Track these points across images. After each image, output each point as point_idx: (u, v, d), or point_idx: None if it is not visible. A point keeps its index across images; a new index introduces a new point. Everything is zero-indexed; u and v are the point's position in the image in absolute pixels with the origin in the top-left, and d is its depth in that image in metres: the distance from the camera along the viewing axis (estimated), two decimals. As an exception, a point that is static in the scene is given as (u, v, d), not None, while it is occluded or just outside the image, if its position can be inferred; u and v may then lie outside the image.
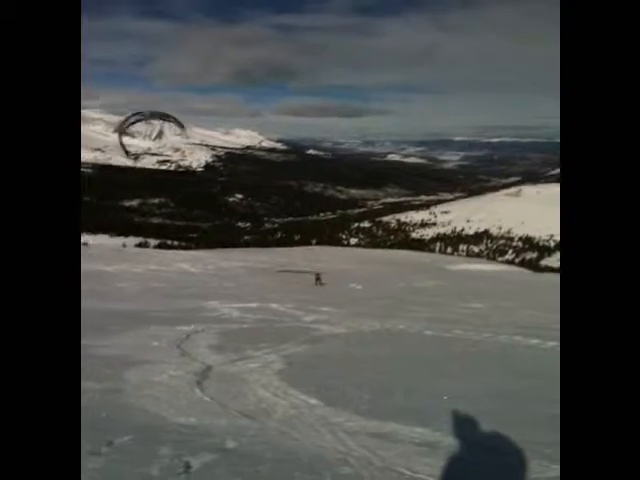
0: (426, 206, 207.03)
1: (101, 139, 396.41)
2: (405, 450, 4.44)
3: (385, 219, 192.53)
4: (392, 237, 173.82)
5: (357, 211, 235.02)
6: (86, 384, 6.19)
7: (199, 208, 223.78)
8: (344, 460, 4.11)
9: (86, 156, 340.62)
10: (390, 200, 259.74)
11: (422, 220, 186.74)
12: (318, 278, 28.26)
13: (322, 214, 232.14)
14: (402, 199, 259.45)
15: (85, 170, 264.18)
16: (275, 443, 4.41)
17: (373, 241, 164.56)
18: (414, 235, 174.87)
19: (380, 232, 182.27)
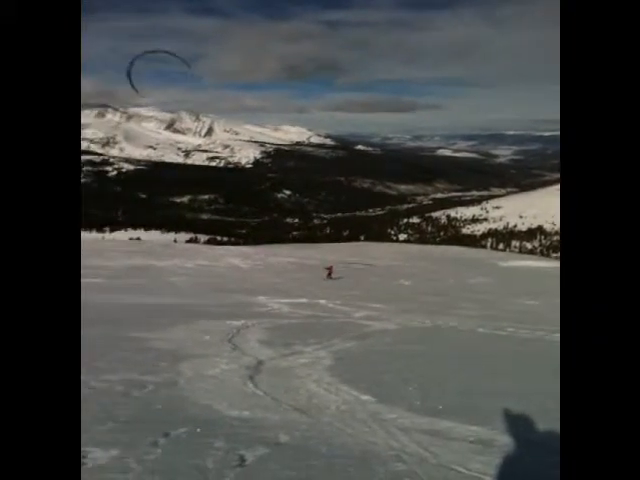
0: (477, 201, 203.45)
1: (153, 136, 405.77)
2: (459, 448, 4.37)
3: (435, 215, 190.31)
4: (442, 233, 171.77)
5: (406, 207, 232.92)
6: (143, 377, 6.36)
7: (248, 204, 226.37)
8: (397, 456, 4.08)
9: (139, 153, 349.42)
10: (440, 195, 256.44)
11: (473, 216, 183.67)
12: (330, 272, 28.02)
13: (371, 210, 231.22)
14: (452, 194, 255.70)
15: (138, 167, 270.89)
16: (328, 438, 4.42)
17: (422, 237, 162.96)
18: (465, 231, 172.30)
19: (430, 228, 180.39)
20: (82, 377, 6.10)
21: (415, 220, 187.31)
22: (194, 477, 3.48)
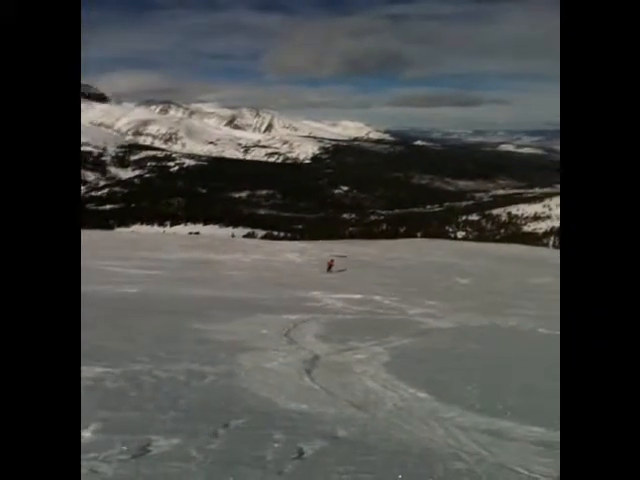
0: (540, 199, 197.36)
1: (214, 132, 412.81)
2: (520, 448, 4.29)
3: (495, 212, 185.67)
4: (502, 231, 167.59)
5: (465, 203, 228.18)
6: (203, 367, 6.52)
7: (305, 200, 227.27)
8: (456, 455, 4.04)
9: (200, 149, 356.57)
10: (501, 192, 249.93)
11: (535, 213, 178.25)
12: (330, 266, 27.64)
13: (429, 206, 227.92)
14: (514, 191, 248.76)
15: (199, 163, 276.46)
16: (385, 434, 4.41)
17: (481, 234, 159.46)
18: (526, 229, 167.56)
19: (489, 225, 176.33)
20: (146, 366, 6.34)
21: (474, 217, 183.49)
22: (254, 468, 3.55)
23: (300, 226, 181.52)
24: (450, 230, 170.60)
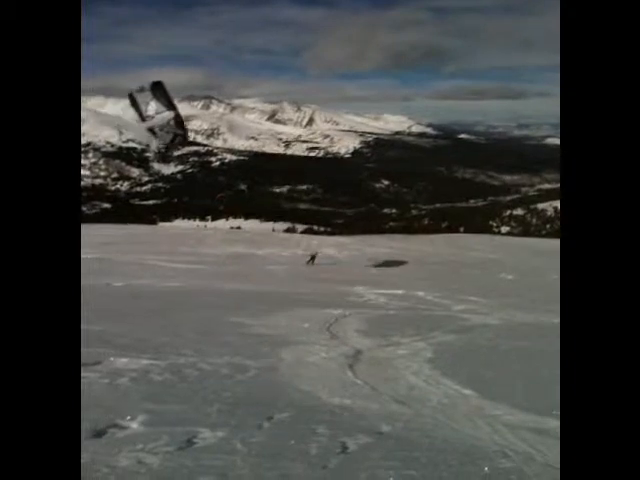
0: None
1: (255, 127, 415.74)
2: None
3: (540, 206, 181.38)
4: (548, 226, 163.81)
5: (509, 198, 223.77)
6: (246, 361, 6.57)
7: (345, 194, 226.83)
8: (503, 453, 3.95)
9: (241, 144, 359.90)
10: (547, 186, 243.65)
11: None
12: (312, 258, 27.19)
13: (472, 201, 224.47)
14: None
15: (240, 158, 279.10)
16: (430, 431, 4.35)
17: (526, 229, 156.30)
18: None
19: (534, 220, 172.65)
20: (190, 359, 6.42)
21: (519, 212, 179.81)
22: (298, 462, 3.54)
23: (340, 221, 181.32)
24: (494, 225, 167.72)
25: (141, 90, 6.92)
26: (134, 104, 6.96)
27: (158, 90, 7.01)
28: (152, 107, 6.91)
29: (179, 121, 6.85)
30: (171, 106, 6.89)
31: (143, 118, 6.74)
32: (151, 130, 6.85)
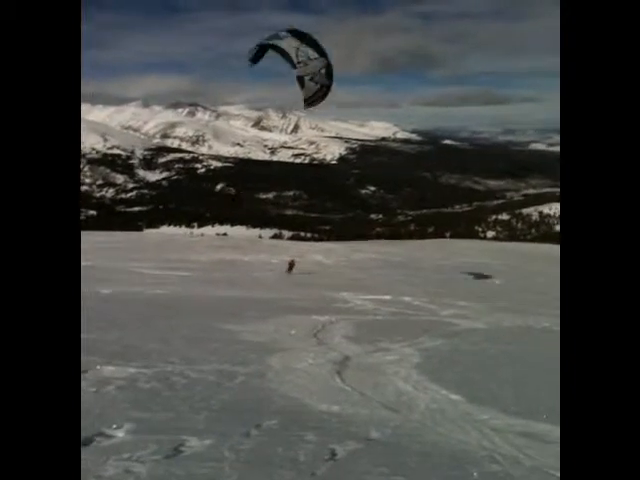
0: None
1: (240, 134, 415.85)
2: (557, 452, 4.18)
3: (525, 211, 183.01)
4: (533, 230, 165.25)
5: (495, 203, 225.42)
6: (234, 368, 6.54)
7: (332, 200, 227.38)
8: (491, 457, 3.97)
9: (227, 150, 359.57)
10: (532, 191, 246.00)
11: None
12: (291, 266, 26.12)
13: (457, 206, 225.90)
14: (545, 190, 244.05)
15: (226, 164, 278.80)
16: (419, 436, 4.36)
17: (512, 234, 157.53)
18: (558, 228, 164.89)
19: (520, 225, 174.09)
20: (179, 367, 6.38)
21: (504, 217, 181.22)
22: (286, 469, 3.52)
23: (327, 227, 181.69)
24: (480, 230, 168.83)
25: (289, 34, 6.66)
26: (288, 48, 6.66)
27: (305, 36, 6.79)
28: (303, 53, 6.61)
29: (329, 72, 6.64)
30: (323, 54, 6.66)
31: (294, 65, 6.49)
32: (299, 79, 6.60)
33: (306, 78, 6.81)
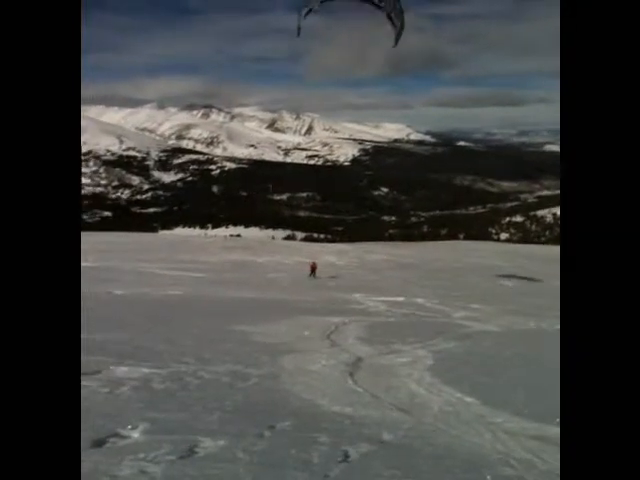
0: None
1: (254, 135, 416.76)
2: (571, 457, 4.17)
3: (540, 213, 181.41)
4: (547, 232, 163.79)
5: (509, 205, 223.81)
6: (247, 369, 6.56)
7: (345, 202, 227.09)
8: (505, 461, 3.95)
9: (241, 152, 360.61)
10: (546, 193, 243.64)
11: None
12: (313, 270, 25.66)
13: (471, 208, 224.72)
14: (559, 192, 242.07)
15: (240, 166, 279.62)
16: (432, 439, 4.35)
17: (526, 236, 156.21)
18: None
19: (534, 227, 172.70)
20: (192, 367, 6.42)
21: (518, 219, 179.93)
22: (300, 470, 3.53)
23: (340, 228, 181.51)
24: (493, 232, 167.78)
25: None
26: None
27: None
28: None
29: (401, 11, 6.68)
30: None
31: (377, 4, 6.48)
32: (389, 16, 6.58)
33: (392, 15, 6.72)
